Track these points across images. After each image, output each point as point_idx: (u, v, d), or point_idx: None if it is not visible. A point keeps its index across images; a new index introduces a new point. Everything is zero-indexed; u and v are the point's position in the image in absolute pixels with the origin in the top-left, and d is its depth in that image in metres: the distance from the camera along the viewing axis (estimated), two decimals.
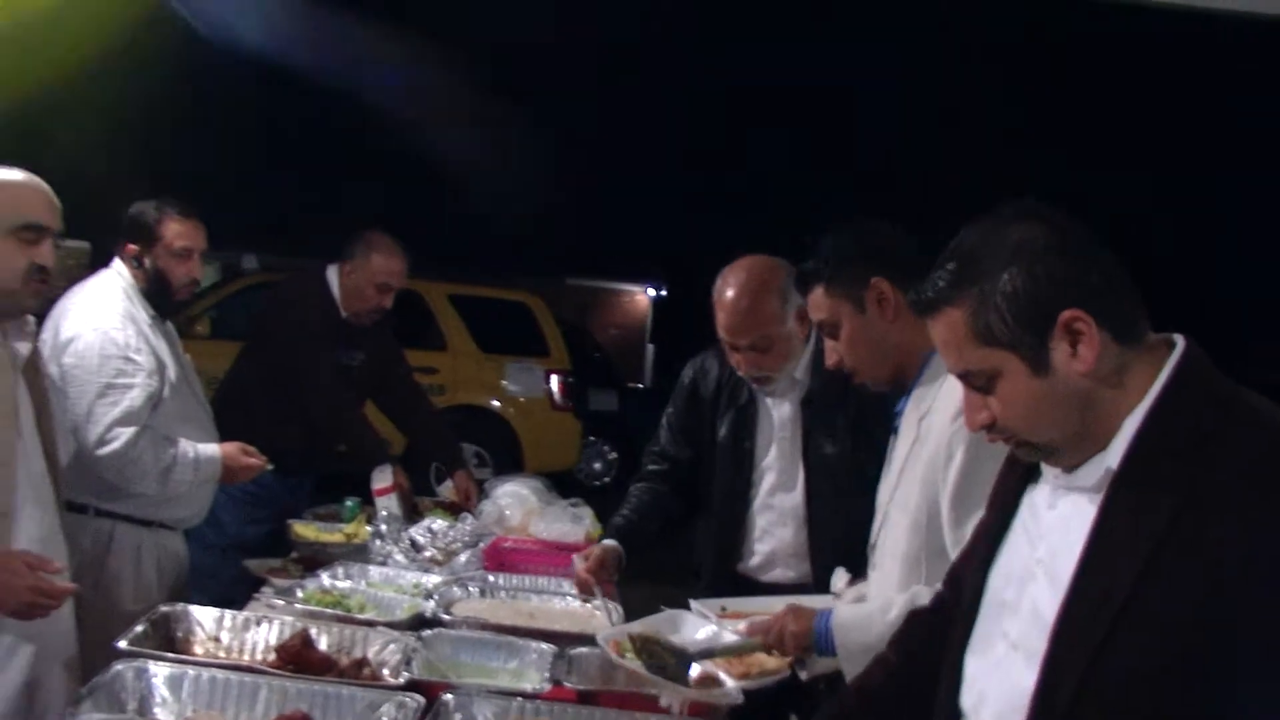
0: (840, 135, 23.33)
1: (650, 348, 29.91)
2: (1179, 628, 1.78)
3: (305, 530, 4.57)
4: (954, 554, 2.62)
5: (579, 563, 4.10)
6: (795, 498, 3.98)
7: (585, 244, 24.96)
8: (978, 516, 2.35)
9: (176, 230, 4.30)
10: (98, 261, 4.67)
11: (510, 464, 11.79)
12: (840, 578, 3.38)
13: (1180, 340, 1.95)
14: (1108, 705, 1.83)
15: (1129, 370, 1.92)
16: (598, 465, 14.93)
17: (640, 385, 23.87)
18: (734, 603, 3.60)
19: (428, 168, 20.22)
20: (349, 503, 4.92)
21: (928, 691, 2.21)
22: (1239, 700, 1.77)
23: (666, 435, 4.34)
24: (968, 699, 2.10)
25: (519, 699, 2.92)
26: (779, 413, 4.01)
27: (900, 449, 3.06)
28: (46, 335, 4.17)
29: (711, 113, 23.29)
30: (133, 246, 4.30)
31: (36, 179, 3.34)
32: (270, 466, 4.50)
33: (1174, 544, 1.79)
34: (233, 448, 4.34)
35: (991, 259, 1.94)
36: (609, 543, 4.14)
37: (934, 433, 2.87)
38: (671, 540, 4.40)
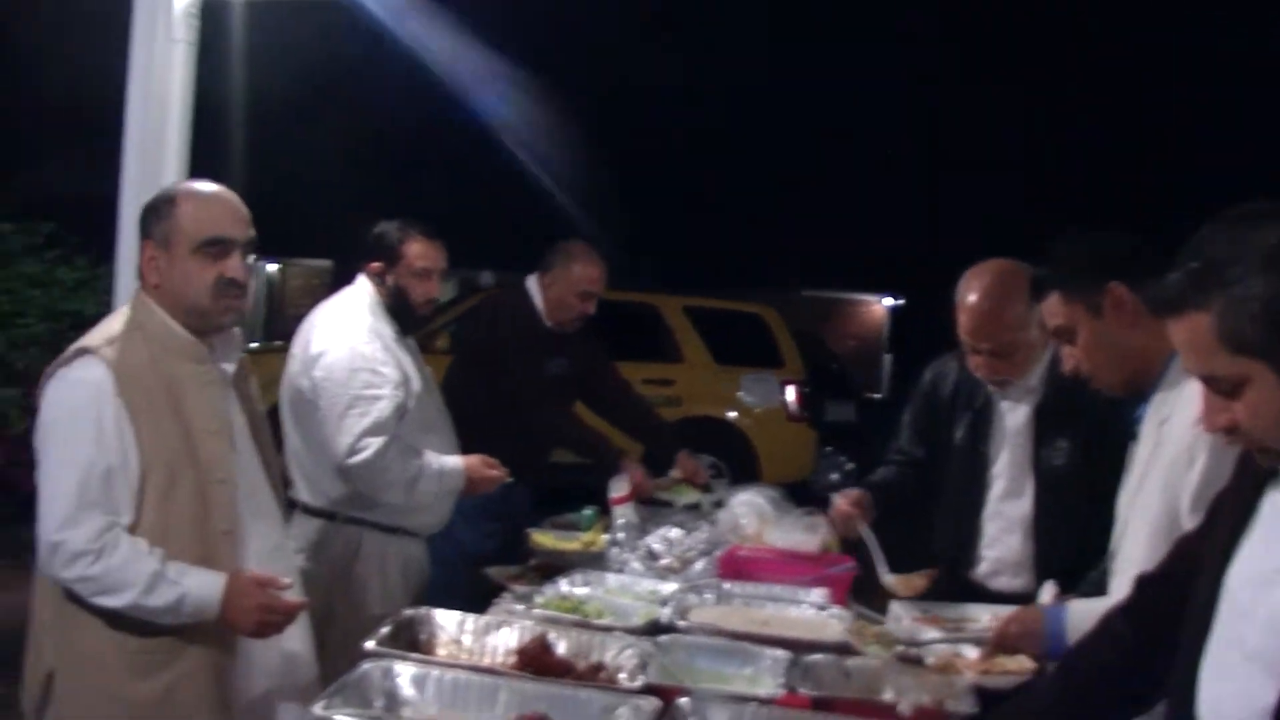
0: (1084, 137, 22.69)
1: (888, 357, 29.58)
2: None
3: (543, 539, 4.64)
4: None
5: (838, 500, 4.21)
6: (1023, 506, 3.91)
7: (821, 255, 24.85)
8: None
9: (418, 250, 4.44)
10: (339, 280, 4.83)
11: (746, 475, 11.74)
12: (1048, 591, 3.29)
13: None
14: None
15: None
16: (834, 476, 14.78)
17: (878, 396, 23.62)
18: (935, 608, 3.62)
19: (663, 184, 20.41)
20: (586, 511, 4.98)
21: (1156, 666, 2.14)
22: None
23: (905, 435, 4.38)
24: (1204, 707, 2.01)
25: (753, 704, 2.91)
26: (1012, 419, 3.94)
27: (1140, 455, 2.98)
28: (296, 350, 4.35)
29: (948, 118, 22.95)
30: (376, 265, 4.46)
31: (224, 190, 3.29)
32: (510, 479, 4.60)
33: None
34: (475, 460, 4.46)
35: (1244, 263, 1.86)
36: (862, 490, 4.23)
37: (1173, 439, 2.79)
38: (904, 544, 4.35)
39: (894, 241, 24.79)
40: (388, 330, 4.41)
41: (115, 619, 3.04)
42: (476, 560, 4.69)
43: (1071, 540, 3.59)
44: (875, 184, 24.26)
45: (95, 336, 3.15)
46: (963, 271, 3.90)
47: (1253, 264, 1.84)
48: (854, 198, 24.09)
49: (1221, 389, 1.92)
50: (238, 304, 3.23)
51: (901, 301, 30.43)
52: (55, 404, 3.07)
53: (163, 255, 3.17)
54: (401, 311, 4.46)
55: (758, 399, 13.03)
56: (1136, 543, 2.89)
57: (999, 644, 3.04)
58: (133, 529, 3.03)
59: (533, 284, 5.52)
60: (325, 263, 23.98)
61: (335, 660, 3.62)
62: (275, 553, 3.38)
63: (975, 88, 22.55)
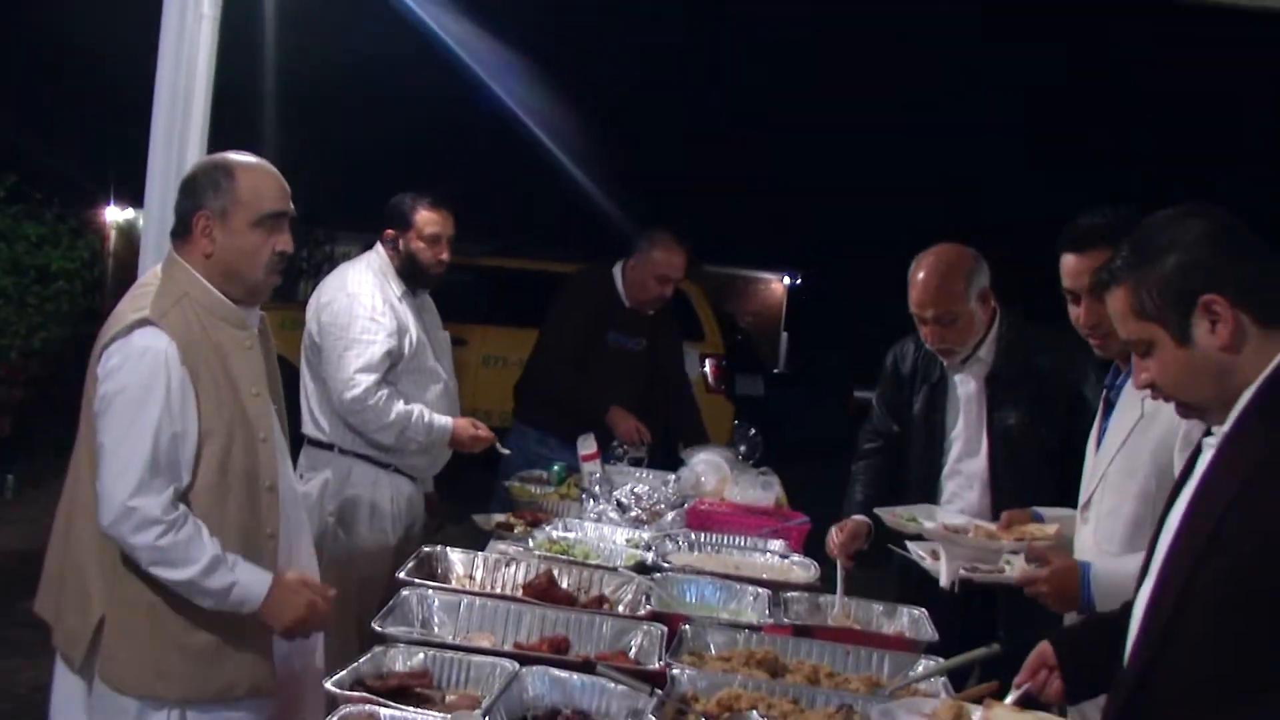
0: (984, 126, 23.31)
1: (784, 335, 30.11)
2: (1250, 557, 2.14)
3: (522, 491, 5.06)
4: None
5: (834, 534, 4.47)
6: (979, 463, 4.39)
7: (722, 231, 25.25)
8: None
9: (427, 217, 4.87)
10: None
11: (666, 445, 12.06)
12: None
13: None
14: (1205, 613, 2.20)
15: (1259, 348, 2.27)
16: (743, 448, 15.16)
17: (776, 370, 24.08)
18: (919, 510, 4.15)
19: (585, 157, 20.59)
20: (555, 467, 5.38)
21: None
22: None
23: (878, 414, 4.79)
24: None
25: (745, 630, 3.35)
26: (965, 389, 4.42)
27: (1123, 421, 3.40)
28: (311, 300, 4.86)
29: (849, 107, 23.36)
30: (390, 231, 4.90)
31: (266, 164, 3.37)
32: (500, 447, 5.13)
33: (1253, 492, 2.16)
34: (464, 422, 4.91)
35: (1155, 247, 2.33)
36: (859, 517, 4.50)
37: (1164, 416, 3.19)
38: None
39: (793, 220, 25.25)
40: (393, 289, 4.85)
41: None
42: None
43: (1025, 491, 4.05)
44: (775, 163, 24.60)
45: (148, 306, 3.18)
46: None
47: (1160, 245, 2.33)
48: (757, 173, 24.44)
49: (1139, 351, 2.39)
50: (279, 275, 3.37)
51: (799, 280, 30.95)
52: (123, 372, 3.11)
53: (219, 226, 3.24)
54: (412, 273, 4.90)
55: None
56: (1119, 499, 3.37)
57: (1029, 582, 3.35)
58: (190, 489, 3.13)
59: (618, 268, 6.10)
60: None
61: (331, 569, 3.98)
62: (294, 495, 3.55)
63: (875, 72, 22.97)
